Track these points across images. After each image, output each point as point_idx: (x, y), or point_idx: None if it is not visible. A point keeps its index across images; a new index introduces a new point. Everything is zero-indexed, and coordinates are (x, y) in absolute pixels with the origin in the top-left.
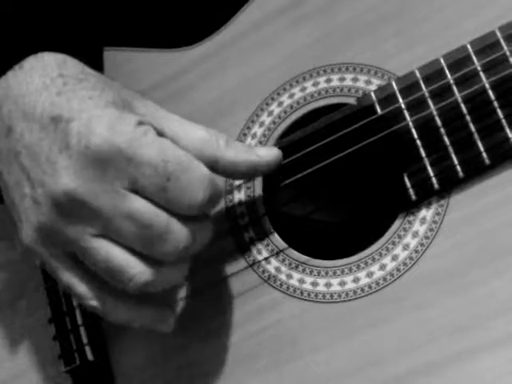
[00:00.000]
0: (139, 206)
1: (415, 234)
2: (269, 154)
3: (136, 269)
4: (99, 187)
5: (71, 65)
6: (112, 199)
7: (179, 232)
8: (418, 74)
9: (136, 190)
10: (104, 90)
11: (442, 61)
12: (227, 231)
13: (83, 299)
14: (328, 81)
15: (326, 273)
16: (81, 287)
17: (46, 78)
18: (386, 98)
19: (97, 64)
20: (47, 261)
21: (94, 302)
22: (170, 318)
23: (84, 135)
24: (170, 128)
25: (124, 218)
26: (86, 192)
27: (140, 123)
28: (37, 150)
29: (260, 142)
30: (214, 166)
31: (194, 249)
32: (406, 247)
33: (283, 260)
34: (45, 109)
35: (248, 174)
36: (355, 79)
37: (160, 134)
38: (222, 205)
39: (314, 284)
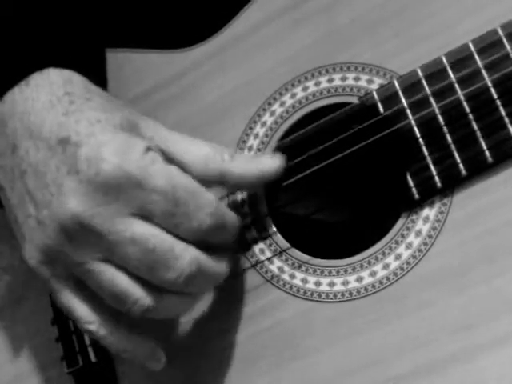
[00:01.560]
0: (145, 231)
1: (418, 233)
2: (273, 162)
3: (139, 293)
4: (106, 212)
5: (77, 82)
6: (118, 224)
7: (184, 258)
8: (420, 73)
9: (144, 216)
10: (112, 112)
11: (444, 59)
12: None
13: (82, 322)
14: (330, 80)
15: (329, 272)
16: (80, 310)
17: (53, 96)
18: (389, 97)
19: (100, 65)
20: (49, 281)
21: (91, 326)
22: (161, 357)
23: (94, 161)
24: (175, 147)
25: (129, 242)
26: (92, 217)
27: (148, 149)
28: (43, 169)
29: (262, 143)
30: (222, 180)
31: (201, 282)
32: (409, 246)
33: (286, 260)
34: (52, 129)
35: (255, 184)
36: (357, 78)
37: (166, 156)
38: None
39: (317, 284)
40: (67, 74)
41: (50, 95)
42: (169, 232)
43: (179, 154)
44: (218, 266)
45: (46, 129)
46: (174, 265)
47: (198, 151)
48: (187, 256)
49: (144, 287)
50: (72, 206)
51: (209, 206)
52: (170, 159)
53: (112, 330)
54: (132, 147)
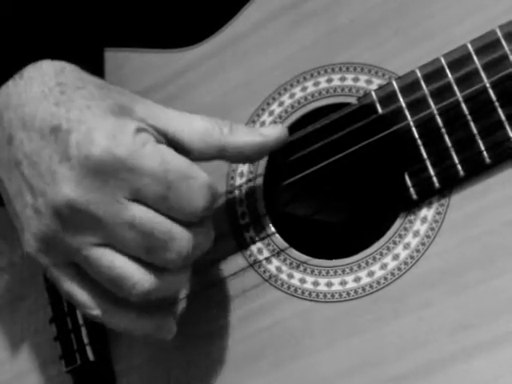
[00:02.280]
0: (141, 214)
1: (416, 234)
2: (274, 131)
3: (138, 276)
4: (100, 197)
5: (69, 72)
6: (113, 209)
7: (181, 239)
8: (418, 74)
9: (137, 199)
10: (102, 98)
11: (443, 60)
12: (228, 231)
13: (84, 308)
14: (329, 80)
15: (327, 272)
16: (82, 296)
17: (45, 87)
18: (387, 97)
19: (98, 65)
20: (49, 269)
21: (94, 311)
22: (171, 325)
23: (84, 146)
24: (173, 125)
25: (126, 226)
26: (87, 202)
27: (139, 130)
28: (37, 159)
29: None
30: (222, 153)
31: (193, 256)
32: (406, 246)
33: (284, 260)
34: (44, 119)
35: (256, 155)
36: (356, 79)
37: (161, 134)
38: (223, 204)
39: (315, 284)
40: (59, 64)
41: (43, 86)
42: (164, 214)
43: (176, 131)
44: (208, 238)
45: (38, 119)
46: (172, 246)
47: (195, 126)
48: (184, 236)
49: (142, 269)
50: (66, 192)
51: (202, 188)
52: (167, 138)
53: (114, 313)
54: (122, 130)
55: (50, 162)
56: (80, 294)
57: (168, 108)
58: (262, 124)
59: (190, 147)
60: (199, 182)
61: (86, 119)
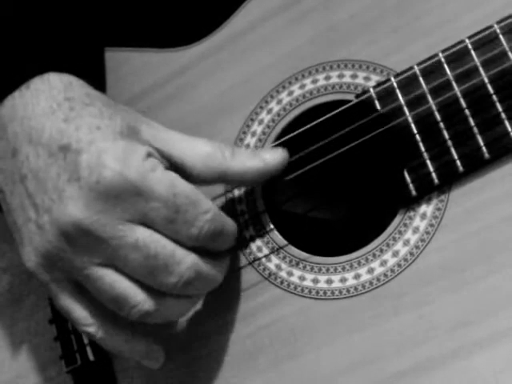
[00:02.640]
0: (146, 236)
1: (416, 230)
2: (275, 156)
3: (139, 297)
4: (107, 219)
5: (77, 87)
6: (119, 231)
7: (184, 263)
8: (416, 70)
9: (144, 222)
10: (111, 118)
11: (441, 56)
12: None
13: (79, 324)
14: (327, 78)
15: (327, 270)
16: (78, 313)
17: (53, 101)
18: (385, 93)
19: (98, 64)
20: (48, 285)
21: (89, 328)
22: (160, 356)
23: (95, 169)
24: (175, 148)
25: (130, 248)
26: (93, 223)
27: (149, 155)
28: (43, 176)
29: (259, 140)
30: (223, 177)
31: (200, 285)
32: (406, 243)
33: (284, 257)
34: (52, 136)
35: (257, 179)
36: (354, 76)
37: (165, 157)
38: (222, 202)
39: (315, 281)
40: (67, 78)
41: (51, 101)
42: (169, 237)
43: (179, 155)
44: (216, 271)
45: (46, 135)
46: (175, 270)
47: (198, 150)
48: (187, 261)
49: (143, 291)
50: (73, 212)
51: (208, 213)
52: (170, 161)
53: (109, 332)
54: (132, 154)
55: (57, 180)
56: (77, 310)
57: (172, 130)
58: (261, 122)
59: (193, 171)
60: (205, 208)
61: (96, 140)
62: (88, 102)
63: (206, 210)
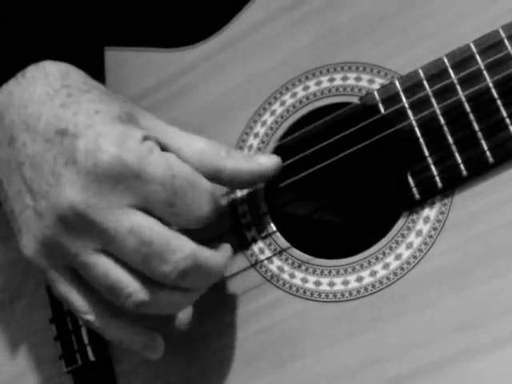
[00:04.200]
0: (142, 222)
1: (419, 233)
2: (269, 161)
3: (133, 287)
4: (105, 203)
5: (74, 75)
6: (116, 215)
7: (180, 251)
8: (421, 73)
9: (142, 206)
10: (110, 104)
11: (446, 60)
12: (229, 230)
13: (78, 312)
14: (331, 80)
15: (329, 272)
16: (77, 301)
17: (49, 88)
18: (389, 97)
19: (98, 64)
20: (47, 272)
21: (88, 316)
22: (159, 346)
23: (92, 153)
24: (172, 141)
25: (126, 233)
26: (91, 207)
27: (145, 138)
28: (40, 161)
29: (262, 142)
30: (217, 176)
31: (198, 278)
32: (409, 246)
33: (286, 259)
34: (49, 121)
35: (250, 182)
36: (358, 78)
37: (163, 148)
38: (224, 204)
39: (317, 283)
40: (64, 66)
41: (47, 87)
42: (168, 222)
43: (175, 148)
44: (216, 263)
45: (42, 121)
46: (170, 258)
47: (194, 146)
48: (184, 249)
49: (138, 281)
50: (70, 196)
51: (207, 195)
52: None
53: (108, 320)
54: (130, 137)
55: (54, 165)
56: (75, 298)
57: (169, 124)
58: (264, 123)
59: (189, 164)
60: (204, 189)
61: (94, 124)
62: (86, 88)
63: (205, 191)
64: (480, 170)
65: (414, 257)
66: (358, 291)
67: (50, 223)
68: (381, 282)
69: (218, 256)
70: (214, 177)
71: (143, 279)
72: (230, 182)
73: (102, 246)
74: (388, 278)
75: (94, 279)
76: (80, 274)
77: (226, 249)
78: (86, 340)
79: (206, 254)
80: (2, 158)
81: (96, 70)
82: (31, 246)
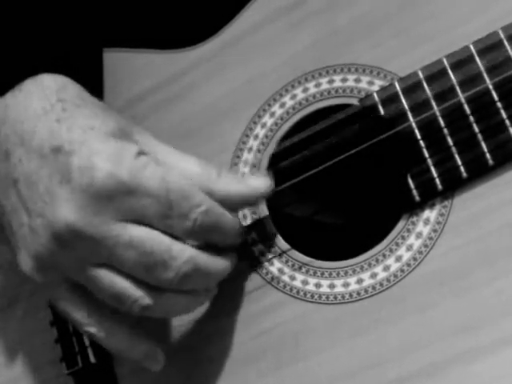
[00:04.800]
0: (140, 233)
1: (419, 235)
2: (260, 184)
3: (139, 293)
4: (101, 220)
5: (70, 89)
6: (113, 230)
7: (181, 259)
8: (420, 75)
9: (139, 219)
10: (104, 120)
11: (445, 61)
12: None
13: (79, 325)
14: (330, 82)
15: (330, 274)
16: (78, 314)
17: (45, 102)
18: (389, 98)
19: (96, 65)
20: (46, 288)
21: (89, 328)
22: (160, 358)
23: (86, 171)
24: (164, 159)
25: (126, 247)
26: (87, 225)
27: (140, 153)
28: (35, 179)
29: (262, 144)
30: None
31: (201, 279)
32: (409, 248)
33: (286, 261)
34: (44, 137)
35: (240, 204)
36: (358, 80)
37: (156, 161)
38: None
39: (318, 285)
40: (61, 80)
41: (43, 101)
42: (165, 233)
43: (168, 166)
44: (216, 264)
45: (37, 137)
46: (171, 265)
47: (186, 166)
48: (184, 255)
49: (143, 287)
50: (66, 214)
51: (201, 206)
52: None
53: (110, 332)
54: (124, 153)
55: (49, 183)
56: (76, 311)
57: (162, 142)
58: (264, 125)
59: None
60: (199, 200)
61: (88, 141)
62: (81, 103)
63: (199, 202)
64: (480, 171)
65: (414, 259)
66: (359, 293)
67: (44, 241)
68: (381, 284)
69: (220, 257)
70: None
71: (146, 286)
72: (221, 204)
73: (102, 260)
74: (388, 280)
75: (99, 291)
76: (79, 288)
77: (229, 250)
78: (86, 342)
79: (204, 257)
80: None
81: (94, 72)
82: (28, 262)
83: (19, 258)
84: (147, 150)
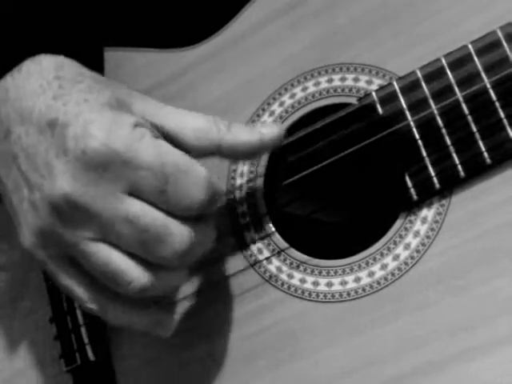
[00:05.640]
0: (137, 209)
1: (416, 234)
2: (271, 130)
3: (134, 272)
4: (97, 191)
5: (68, 67)
6: (110, 203)
7: (178, 234)
8: (419, 74)
9: (134, 194)
10: (100, 92)
11: (443, 60)
12: (228, 231)
13: (82, 302)
14: (329, 81)
15: (328, 272)
16: (80, 290)
17: (43, 80)
18: (387, 97)
19: (97, 64)
20: (46, 264)
21: (92, 305)
22: (169, 322)
23: (81, 139)
24: (169, 121)
25: (122, 221)
26: (83, 196)
27: (137, 125)
28: (34, 153)
29: None
30: (217, 151)
31: (193, 253)
32: (407, 247)
33: (284, 260)
34: (41, 113)
35: (252, 153)
36: (356, 79)
37: (159, 130)
38: (223, 204)
39: (316, 284)
40: (59, 59)
41: (41, 80)
42: (161, 208)
43: (172, 127)
44: (209, 237)
45: (35, 113)
46: (168, 241)
47: (192, 123)
48: (180, 232)
49: (139, 265)
50: (62, 186)
51: (199, 183)
52: (163, 134)
53: (111, 306)
54: (119, 123)
55: (46, 156)
56: (77, 287)
57: (166, 105)
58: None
59: (185, 143)
60: (197, 176)
61: (83, 112)
62: (79, 79)
63: (198, 179)
64: (478, 170)
65: (412, 257)
66: (356, 292)
67: (44, 214)
68: (378, 283)
69: (208, 228)
70: (216, 151)
71: (143, 263)
72: (232, 155)
73: (99, 235)
74: (386, 279)
75: (94, 267)
76: (78, 263)
77: (209, 218)
78: (85, 339)
79: (199, 231)
80: (0, 151)
81: (95, 70)
82: (28, 238)
83: (20, 236)
84: (148, 117)
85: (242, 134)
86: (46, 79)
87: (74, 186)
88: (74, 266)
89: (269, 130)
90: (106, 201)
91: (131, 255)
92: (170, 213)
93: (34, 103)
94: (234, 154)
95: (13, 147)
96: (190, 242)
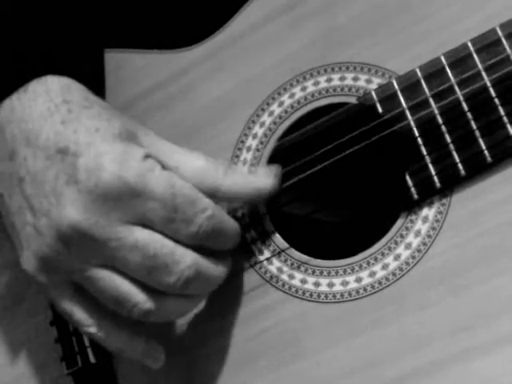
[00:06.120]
0: (145, 236)
1: (417, 233)
2: (267, 181)
3: (139, 297)
4: (106, 221)
5: (75, 90)
6: (118, 232)
7: (183, 262)
8: (418, 73)
9: (143, 222)
10: (110, 121)
11: (443, 59)
12: None
13: (79, 325)
14: (329, 80)
15: (329, 273)
16: (79, 314)
17: (50, 103)
18: (387, 96)
19: (98, 66)
20: (48, 288)
21: (89, 329)
22: (160, 355)
23: (93, 172)
24: (171, 159)
25: (129, 249)
26: (92, 226)
27: (147, 156)
28: (41, 178)
29: (261, 143)
30: (215, 194)
31: (200, 283)
32: (408, 246)
33: (285, 260)
34: (50, 138)
35: (248, 200)
36: (356, 78)
37: (163, 165)
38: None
39: (316, 284)
40: (65, 81)
41: (48, 103)
42: (168, 237)
43: (174, 165)
44: (217, 270)
45: (43, 137)
46: (174, 269)
47: (193, 164)
48: (186, 260)
49: (144, 291)
50: (72, 215)
51: (207, 211)
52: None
53: (110, 332)
54: (131, 155)
55: (55, 183)
56: (77, 312)
57: (167, 141)
58: (262, 124)
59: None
60: (204, 206)
61: (95, 142)
62: (87, 104)
63: (205, 207)
64: (478, 169)
65: (413, 257)
66: (358, 292)
67: (50, 241)
68: (380, 283)
69: (219, 262)
70: (212, 195)
71: (148, 289)
72: (227, 199)
73: (105, 262)
74: (387, 279)
75: (100, 293)
76: (80, 288)
77: (226, 255)
78: (86, 342)
79: (206, 262)
80: (3, 172)
81: (96, 72)
82: (31, 263)
83: (22, 259)
84: (153, 152)
85: (239, 181)
86: (53, 102)
87: (85, 215)
88: (75, 291)
89: (265, 179)
90: (115, 230)
91: (136, 281)
92: (177, 241)
93: (40, 126)
94: (230, 199)
95: (18, 169)
96: (195, 271)
